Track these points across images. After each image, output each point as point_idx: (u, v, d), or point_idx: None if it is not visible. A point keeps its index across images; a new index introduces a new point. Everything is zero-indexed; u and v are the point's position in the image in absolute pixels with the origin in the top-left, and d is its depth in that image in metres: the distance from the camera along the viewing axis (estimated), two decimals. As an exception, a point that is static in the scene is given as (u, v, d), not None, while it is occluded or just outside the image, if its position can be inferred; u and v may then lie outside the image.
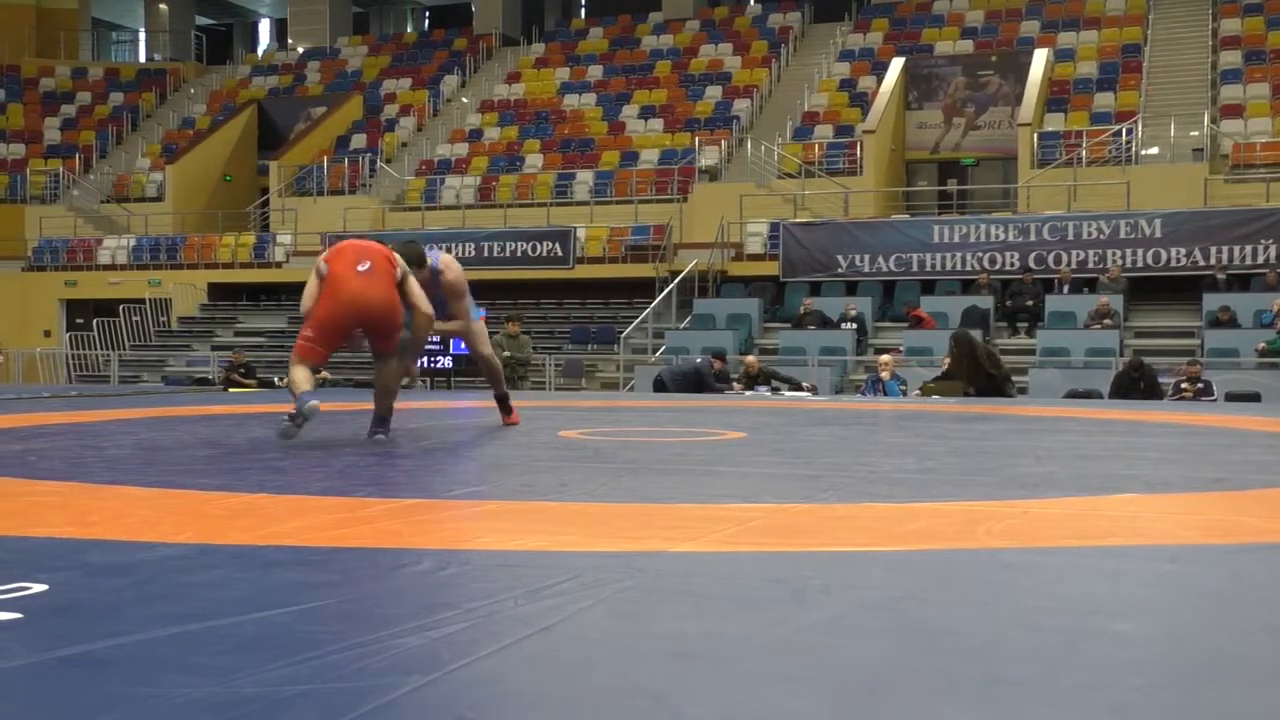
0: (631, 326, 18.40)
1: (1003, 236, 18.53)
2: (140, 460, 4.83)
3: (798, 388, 13.47)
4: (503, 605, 2.05)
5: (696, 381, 13.43)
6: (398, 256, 5.78)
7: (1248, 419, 8.22)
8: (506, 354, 14.90)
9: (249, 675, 1.61)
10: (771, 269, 19.79)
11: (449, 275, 6.36)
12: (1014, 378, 16.15)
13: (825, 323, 17.58)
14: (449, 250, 6.43)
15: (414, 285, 5.80)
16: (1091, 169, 20.06)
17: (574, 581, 2.24)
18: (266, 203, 26.19)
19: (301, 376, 5.47)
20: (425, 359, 14.84)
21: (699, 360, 14.20)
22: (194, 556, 2.57)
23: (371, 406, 5.82)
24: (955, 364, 12.74)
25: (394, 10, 40.01)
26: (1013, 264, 18.24)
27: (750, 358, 14.41)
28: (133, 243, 24.94)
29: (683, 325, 18.81)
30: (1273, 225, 17.38)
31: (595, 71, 28.07)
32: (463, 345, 14.34)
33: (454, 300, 6.43)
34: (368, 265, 5.53)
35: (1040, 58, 22.58)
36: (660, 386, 13.75)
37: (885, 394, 12.90)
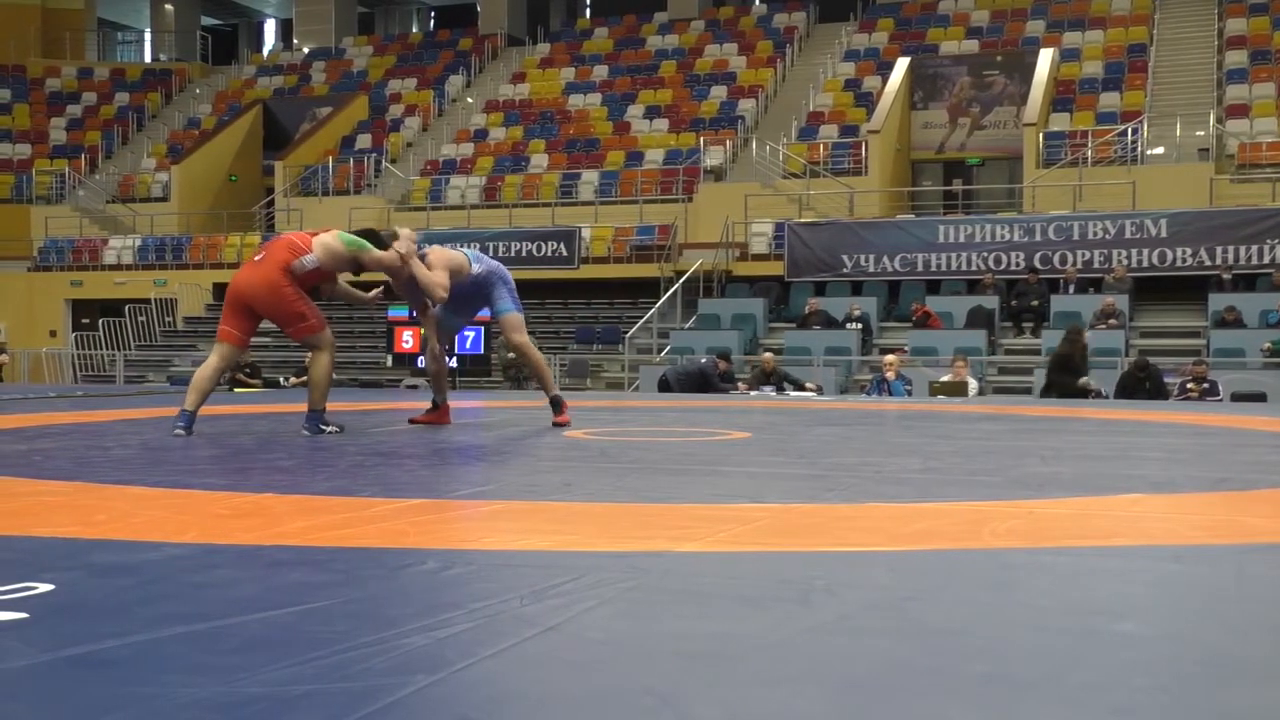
0: (636, 326, 18.40)
1: (1008, 236, 18.51)
2: (146, 460, 4.84)
3: (800, 388, 13.47)
4: (507, 605, 2.05)
5: (701, 381, 13.44)
6: (325, 242, 6.05)
7: (1253, 419, 8.21)
8: (511, 355, 14.92)
9: (254, 675, 1.61)
10: (776, 269, 19.78)
11: (428, 259, 6.39)
12: (1019, 378, 16.18)
13: (830, 323, 17.57)
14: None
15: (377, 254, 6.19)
16: (1097, 169, 20.05)
17: (579, 582, 2.24)
18: (272, 203, 26.22)
19: (195, 379, 5.97)
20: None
21: (704, 360, 14.21)
22: (199, 556, 2.57)
23: (378, 407, 5.88)
24: (1068, 358, 12.63)
25: (399, 10, 40.06)
26: (1018, 264, 18.22)
27: (768, 355, 14.42)
28: (138, 243, 24.98)
29: (688, 325, 18.81)
30: (1278, 225, 17.35)
31: (600, 71, 28.08)
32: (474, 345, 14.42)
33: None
34: (261, 255, 6.00)
35: (1046, 57, 22.56)
36: (665, 386, 13.75)
37: (890, 394, 12.89)
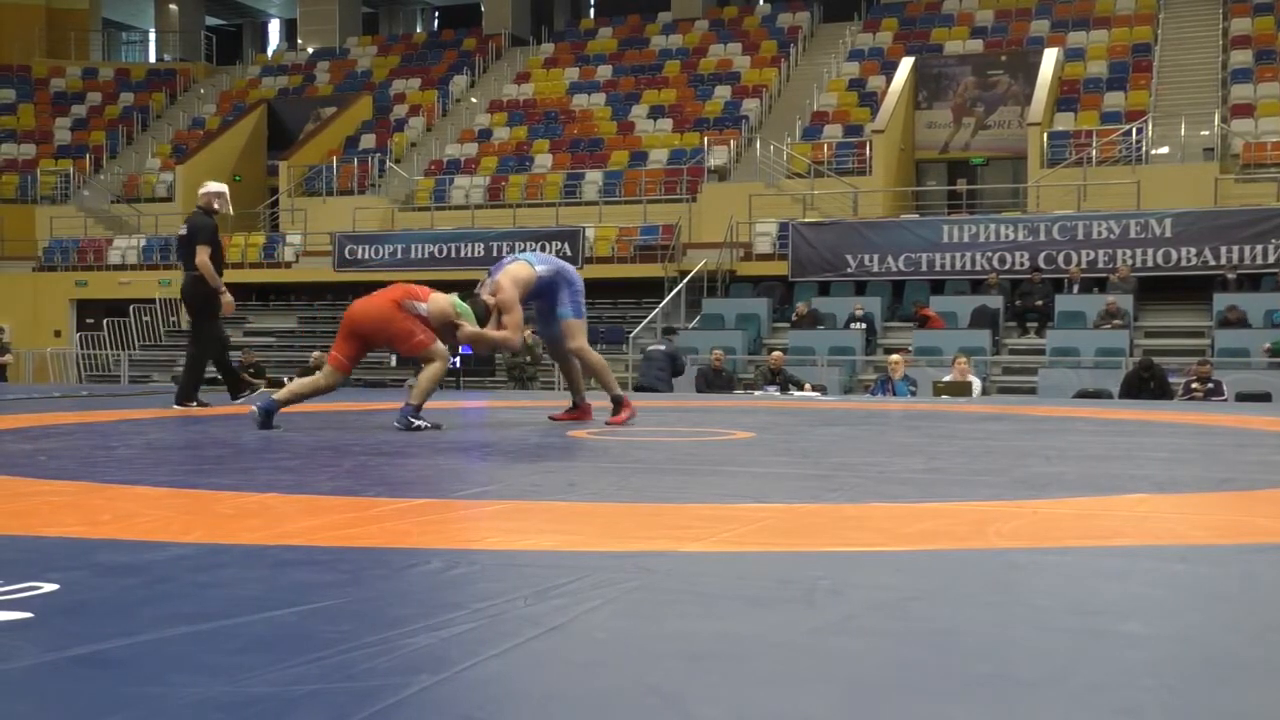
0: (640, 326, 18.41)
1: (1012, 236, 18.50)
2: (150, 460, 4.84)
3: (800, 387, 13.48)
4: (511, 605, 2.05)
5: (673, 363, 14.22)
6: (439, 301, 6.39)
7: (1258, 419, 8.20)
8: (517, 355, 14.92)
9: (258, 674, 1.61)
10: (780, 269, 19.78)
11: (500, 294, 6.52)
12: (1023, 377, 16.15)
13: (821, 321, 17.63)
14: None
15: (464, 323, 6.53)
16: (1101, 168, 20.03)
17: (582, 581, 2.24)
18: (276, 203, 26.24)
19: (296, 382, 6.60)
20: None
21: (662, 346, 14.96)
22: (204, 556, 2.57)
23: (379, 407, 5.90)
24: None
25: (403, 10, 40.07)
26: (1022, 264, 18.21)
27: (776, 353, 14.44)
28: (143, 243, 25.01)
29: (692, 325, 18.81)
30: (1283, 225, 17.34)
31: (604, 71, 28.08)
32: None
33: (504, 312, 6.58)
34: (373, 294, 6.53)
35: (1050, 57, 22.55)
36: (645, 382, 14.20)
37: (894, 394, 12.89)
